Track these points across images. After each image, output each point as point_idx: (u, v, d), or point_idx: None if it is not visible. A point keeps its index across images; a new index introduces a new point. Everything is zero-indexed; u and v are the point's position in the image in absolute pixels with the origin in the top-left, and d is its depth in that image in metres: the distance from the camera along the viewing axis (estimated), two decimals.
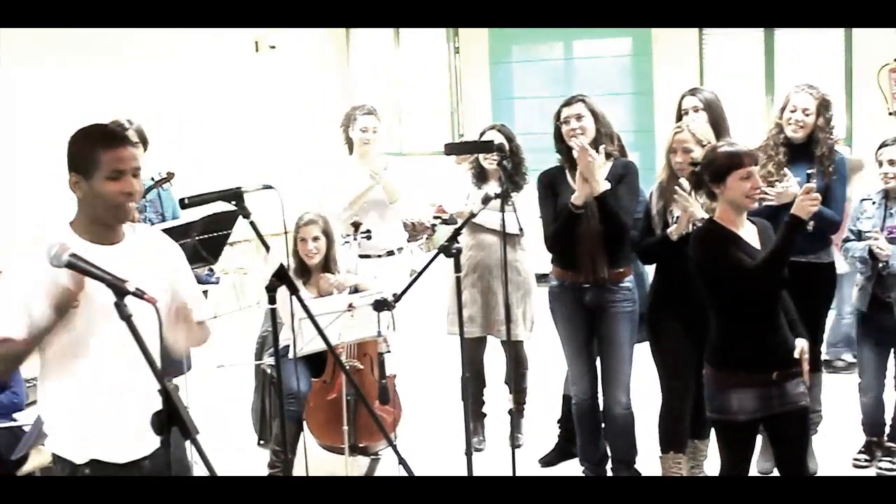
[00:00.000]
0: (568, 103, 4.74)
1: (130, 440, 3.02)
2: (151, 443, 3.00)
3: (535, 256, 5.64)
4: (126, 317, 2.52)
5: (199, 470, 3.93)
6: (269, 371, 5.35)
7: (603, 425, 4.95)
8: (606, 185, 4.56)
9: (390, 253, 6.03)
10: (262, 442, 5.50)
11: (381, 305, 4.22)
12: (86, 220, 3.01)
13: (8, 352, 2.96)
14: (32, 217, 6.62)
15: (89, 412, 2.99)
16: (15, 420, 4.64)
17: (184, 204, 3.32)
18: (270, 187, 3.38)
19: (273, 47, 9.53)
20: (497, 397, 5.85)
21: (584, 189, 4.52)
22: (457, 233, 4.27)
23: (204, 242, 4.80)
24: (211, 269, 6.58)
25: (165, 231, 3.81)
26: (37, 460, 4.55)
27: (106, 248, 2.98)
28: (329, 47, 10.47)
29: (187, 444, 2.95)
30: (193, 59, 8.67)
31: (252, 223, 3.27)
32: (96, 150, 2.94)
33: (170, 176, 5.27)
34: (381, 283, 5.17)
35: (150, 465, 3.09)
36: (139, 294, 2.56)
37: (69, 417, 3.01)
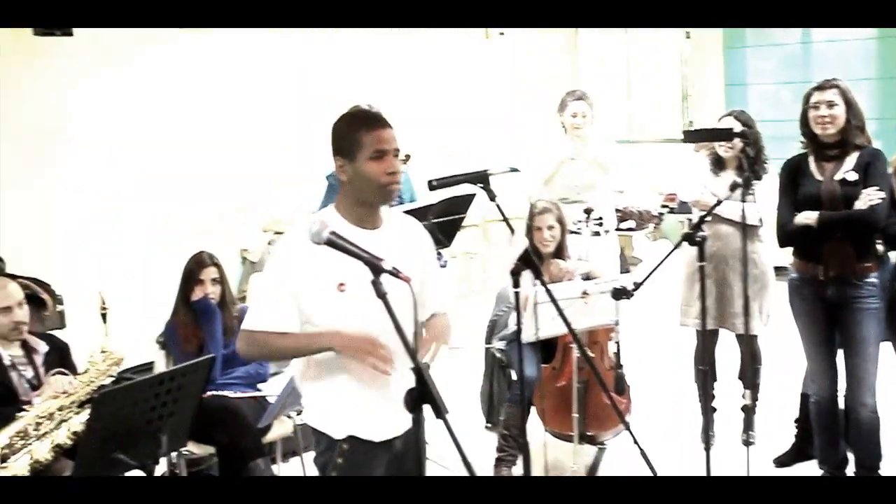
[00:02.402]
0: (820, 87, 4.52)
1: (388, 419, 3.08)
2: (405, 422, 3.05)
3: (772, 248, 5.44)
4: (382, 294, 2.56)
5: (432, 451, 4.02)
6: (497, 355, 5.38)
7: (844, 427, 4.72)
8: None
9: (595, 234, 5.96)
10: (489, 425, 5.54)
11: (620, 294, 4.17)
12: (350, 204, 3.10)
13: (266, 350, 3.13)
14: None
15: (351, 390, 3.07)
16: (259, 390, 4.84)
17: (432, 186, 3.38)
18: (516, 170, 3.39)
19: (502, 34, 9.58)
20: (725, 392, 5.67)
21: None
22: (702, 221, 4.16)
23: (440, 225, 4.87)
24: (439, 253, 6.72)
25: (405, 213, 3.88)
26: (280, 430, 4.75)
27: (367, 232, 3.05)
28: (558, 33, 10.42)
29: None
30: (429, 44, 8.82)
31: (498, 206, 3.29)
32: (359, 132, 3.03)
33: (407, 158, 5.38)
34: (614, 270, 5.10)
35: (401, 444, 3.16)
36: (395, 272, 2.60)
37: (331, 394, 3.11)
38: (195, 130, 7.19)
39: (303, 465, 4.83)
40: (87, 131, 6.63)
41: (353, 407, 3.11)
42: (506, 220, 3.32)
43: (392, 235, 3.13)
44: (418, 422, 2.60)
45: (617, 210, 7.15)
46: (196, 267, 4.84)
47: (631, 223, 8.89)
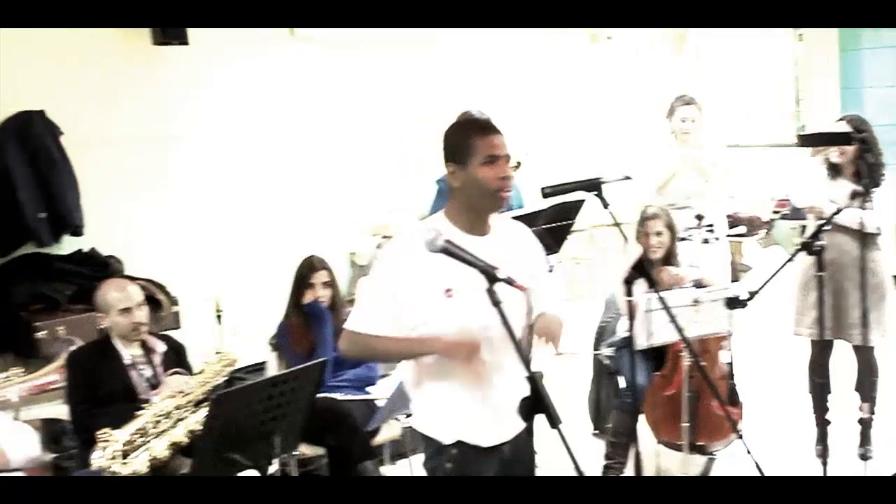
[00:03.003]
0: None
1: (497, 424, 3.09)
2: (513, 428, 3.07)
3: (890, 257, 5.28)
4: (496, 303, 2.57)
5: (540, 458, 4.00)
6: (605, 361, 5.34)
7: None
8: None
9: (705, 241, 5.86)
10: (597, 432, 5.51)
11: (733, 303, 4.10)
12: (460, 210, 3.10)
13: (368, 351, 3.18)
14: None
15: (458, 396, 3.08)
16: (368, 393, 4.88)
17: (545, 193, 3.37)
18: (629, 178, 3.36)
19: (610, 38, 9.48)
20: (842, 405, 5.51)
21: None
22: (820, 230, 4.06)
23: (550, 231, 4.83)
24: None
25: (515, 219, 3.87)
26: (388, 432, 4.79)
27: (476, 239, 3.05)
28: (665, 36, 10.27)
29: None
30: (535, 48, 8.78)
31: (612, 214, 3.26)
32: (471, 137, 3.04)
33: (517, 166, 5.36)
34: (725, 277, 5.02)
35: (510, 449, 3.16)
36: (510, 281, 2.61)
37: (438, 399, 3.13)
38: (304, 134, 7.30)
39: (411, 467, 4.87)
40: (200, 136, 6.80)
41: (461, 412, 3.12)
42: (619, 228, 3.29)
43: (501, 242, 3.13)
44: (530, 430, 2.61)
45: (727, 216, 7.02)
46: (307, 271, 4.92)
47: (741, 229, 8.72)
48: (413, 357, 3.15)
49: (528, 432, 2.79)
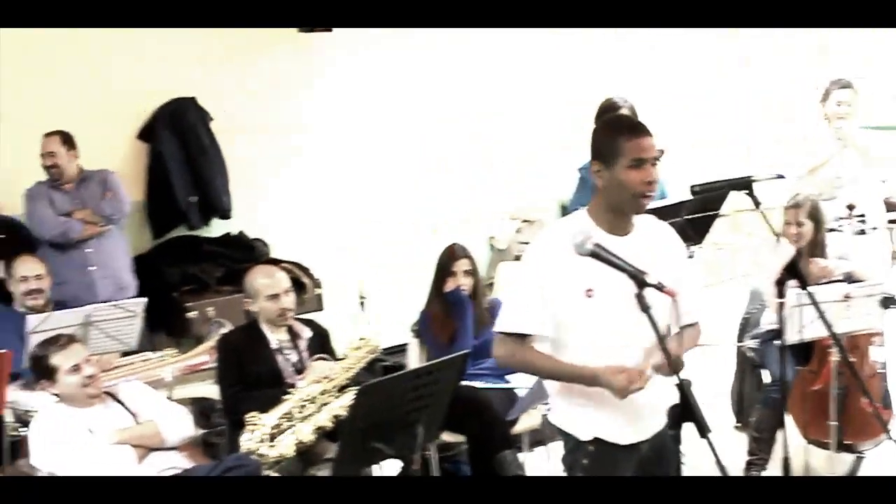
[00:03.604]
0: None
1: (635, 423, 3.07)
2: (652, 427, 3.05)
3: None
4: (646, 308, 2.55)
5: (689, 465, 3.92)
6: (749, 354, 5.23)
7: None
8: None
9: (861, 232, 5.63)
10: (738, 425, 5.40)
11: (889, 302, 3.95)
12: (603, 209, 3.04)
13: (525, 364, 3.15)
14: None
15: (597, 393, 3.02)
16: (507, 381, 4.88)
17: (694, 192, 3.31)
18: (782, 177, 3.27)
19: None
20: None
21: None
22: None
23: (693, 222, 4.74)
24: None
25: (657, 210, 3.79)
26: (527, 423, 4.80)
27: (619, 239, 2.99)
28: None
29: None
30: (677, 36, 8.58)
31: (763, 213, 3.19)
32: (619, 138, 2.97)
33: (660, 153, 5.27)
34: (883, 271, 4.84)
35: (649, 447, 3.14)
36: (659, 287, 2.58)
37: (577, 396, 3.10)
38: (446, 119, 7.34)
39: (549, 456, 4.87)
40: (344, 122, 6.91)
41: (599, 409, 3.09)
42: (766, 220, 3.21)
43: (644, 242, 3.06)
44: (677, 438, 2.59)
45: None
46: (448, 259, 4.95)
47: (892, 215, 8.36)
48: (567, 381, 3.11)
49: (675, 438, 2.76)
